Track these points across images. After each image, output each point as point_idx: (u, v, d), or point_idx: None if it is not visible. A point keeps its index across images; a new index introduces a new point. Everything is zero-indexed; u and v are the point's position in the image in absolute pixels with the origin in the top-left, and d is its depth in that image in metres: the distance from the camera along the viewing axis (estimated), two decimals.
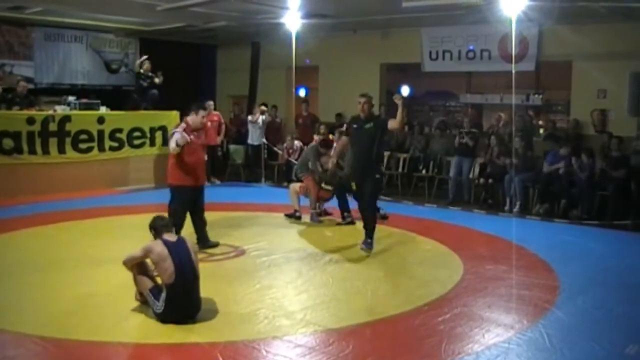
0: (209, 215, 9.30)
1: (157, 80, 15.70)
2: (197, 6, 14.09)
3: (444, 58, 16.71)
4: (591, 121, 14.35)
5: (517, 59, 13.90)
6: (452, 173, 14.01)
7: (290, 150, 16.35)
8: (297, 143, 16.43)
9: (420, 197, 14.29)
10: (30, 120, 13.41)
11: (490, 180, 13.48)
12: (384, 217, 11.28)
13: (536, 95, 15.93)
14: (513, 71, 12.59)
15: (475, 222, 11.47)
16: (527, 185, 12.82)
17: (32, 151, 13.38)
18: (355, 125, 9.39)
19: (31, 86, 16.29)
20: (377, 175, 9.26)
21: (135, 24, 17.96)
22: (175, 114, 15.33)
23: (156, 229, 6.42)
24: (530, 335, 5.92)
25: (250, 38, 19.31)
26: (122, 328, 6.02)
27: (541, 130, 15.64)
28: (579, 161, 12.48)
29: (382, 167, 10.54)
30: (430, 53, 16.90)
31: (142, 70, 15.71)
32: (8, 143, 13.05)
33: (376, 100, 17.76)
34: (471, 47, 16.15)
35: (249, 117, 16.72)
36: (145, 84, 15.62)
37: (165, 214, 7.20)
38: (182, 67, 19.53)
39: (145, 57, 16.13)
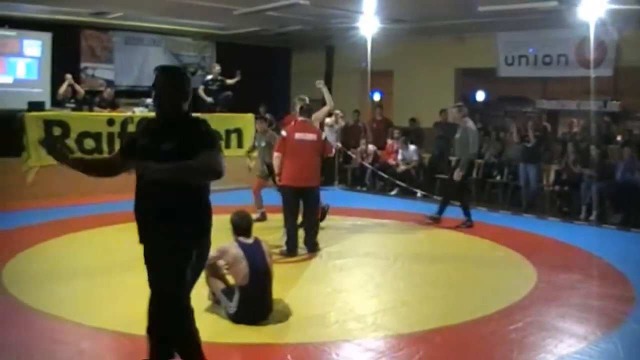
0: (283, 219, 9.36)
1: (228, 81, 15.99)
2: (272, 10, 14.26)
3: (519, 63, 16.54)
4: None
5: (595, 64, 13.65)
6: (522, 180, 13.78)
7: (364, 155, 16.41)
8: (371, 147, 16.49)
9: (494, 204, 14.15)
10: (110, 122, 13.83)
11: (565, 188, 13.28)
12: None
13: (614, 102, 15.61)
14: (592, 76, 12.39)
15: (550, 230, 11.28)
16: (603, 194, 12.56)
17: (112, 151, 13.74)
18: (144, 142, 4.49)
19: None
20: (168, 243, 4.30)
21: (212, 28, 18.29)
22: (250, 117, 15.53)
23: (235, 228, 6.48)
24: (603, 346, 5.81)
25: (325, 42, 19.45)
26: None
27: (618, 138, 15.30)
28: None
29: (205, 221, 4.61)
30: (506, 58, 16.74)
31: (210, 78, 16.07)
32: (89, 143, 13.47)
33: (451, 105, 17.77)
34: (547, 52, 15.93)
35: (327, 121, 16.78)
36: (214, 87, 15.91)
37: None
38: (256, 70, 19.70)
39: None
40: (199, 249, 4.44)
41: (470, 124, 11.54)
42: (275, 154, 9.19)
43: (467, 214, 11.50)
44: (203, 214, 4.51)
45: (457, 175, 11.31)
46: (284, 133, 9.21)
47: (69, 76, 14.69)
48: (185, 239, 4.34)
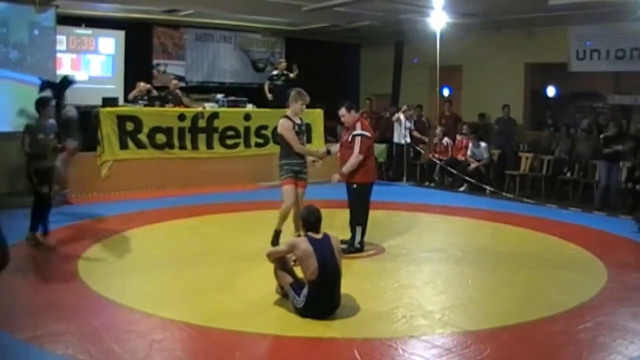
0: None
1: (291, 75, 16.11)
2: (341, 6, 14.31)
3: (591, 57, 16.20)
4: None
5: None
6: (602, 179, 13.38)
7: (438, 148, 16.35)
8: (446, 139, 16.40)
9: (564, 201, 13.94)
10: (181, 117, 14.10)
11: (638, 186, 12.97)
12: None
13: None
14: None
15: (622, 229, 11.01)
16: None
17: (182, 146, 14.05)
18: None
19: (182, 84, 17.06)
20: None
21: (281, 24, 18.47)
22: (319, 112, 15.65)
23: (305, 223, 6.55)
24: None
25: (394, 37, 19.43)
26: (262, 319, 6.24)
27: None
28: None
29: None
30: (577, 52, 16.43)
31: (275, 73, 16.23)
32: (160, 138, 13.78)
33: (520, 101, 17.62)
34: (620, 46, 15.58)
35: (394, 116, 16.80)
36: (279, 82, 16.04)
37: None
38: (325, 66, 19.84)
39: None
40: None
41: None
42: (360, 157, 8.72)
43: None
44: None
45: None
46: (367, 133, 8.89)
47: (141, 84, 14.91)
48: None
